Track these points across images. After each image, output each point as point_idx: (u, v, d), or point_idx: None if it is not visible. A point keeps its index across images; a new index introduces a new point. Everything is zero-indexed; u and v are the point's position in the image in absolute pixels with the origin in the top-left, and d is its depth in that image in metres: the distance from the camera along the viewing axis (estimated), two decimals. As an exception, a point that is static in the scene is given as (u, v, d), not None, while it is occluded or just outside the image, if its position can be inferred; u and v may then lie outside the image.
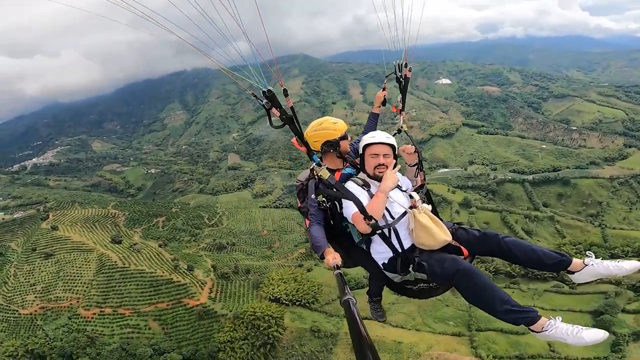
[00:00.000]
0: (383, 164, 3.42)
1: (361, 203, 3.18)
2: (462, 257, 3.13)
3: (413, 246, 3.23)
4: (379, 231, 3.21)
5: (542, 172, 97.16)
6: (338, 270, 2.74)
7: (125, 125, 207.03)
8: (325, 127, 3.63)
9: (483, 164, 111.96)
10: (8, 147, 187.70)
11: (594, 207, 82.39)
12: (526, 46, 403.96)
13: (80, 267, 60.47)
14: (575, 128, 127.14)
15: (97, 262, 61.28)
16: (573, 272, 3.01)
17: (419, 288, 3.27)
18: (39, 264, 61.58)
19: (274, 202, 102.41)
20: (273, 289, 52.92)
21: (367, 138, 3.52)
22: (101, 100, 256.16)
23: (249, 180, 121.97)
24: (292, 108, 3.10)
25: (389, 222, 3.25)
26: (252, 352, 42.15)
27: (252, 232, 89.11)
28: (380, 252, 3.30)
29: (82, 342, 44.73)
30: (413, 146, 3.87)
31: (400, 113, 4.27)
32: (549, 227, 77.92)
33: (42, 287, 56.30)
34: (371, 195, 3.33)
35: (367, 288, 4.19)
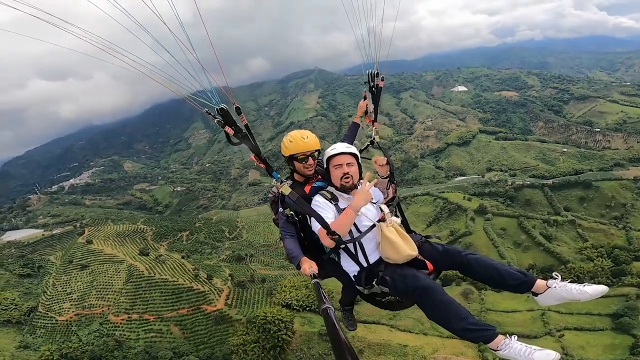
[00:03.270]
0: (347, 173, 3.38)
1: (323, 219, 3.16)
2: (427, 271, 3.16)
3: (380, 259, 3.23)
4: (343, 246, 3.22)
5: (563, 175, 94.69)
6: (315, 279, 2.81)
7: (154, 146, 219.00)
8: (291, 139, 3.59)
9: (501, 170, 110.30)
10: (47, 169, 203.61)
11: (618, 209, 79.24)
12: (545, 49, 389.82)
13: (111, 277, 65.47)
14: (598, 130, 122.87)
15: (126, 272, 66.12)
16: (537, 294, 2.96)
17: (387, 300, 3.28)
18: (75, 274, 67.26)
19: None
20: (285, 295, 55.22)
21: (328, 151, 3.52)
22: (130, 121, 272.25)
23: (268, 195, 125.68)
24: (246, 126, 3.15)
25: (354, 237, 3.24)
26: (263, 355, 44.22)
27: (270, 245, 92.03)
28: (349, 266, 3.33)
29: (110, 345, 48.61)
30: (385, 157, 3.80)
31: (373, 124, 4.22)
32: (570, 231, 75.61)
33: (77, 296, 61.45)
34: (338, 209, 3.29)
35: (340, 297, 4.13)
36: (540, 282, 2.92)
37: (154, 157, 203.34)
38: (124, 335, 51.83)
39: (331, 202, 3.34)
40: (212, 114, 3.06)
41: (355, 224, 3.23)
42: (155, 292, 60.27)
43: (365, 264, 3.23)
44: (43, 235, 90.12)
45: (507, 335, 2.71)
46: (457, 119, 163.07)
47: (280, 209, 3.61)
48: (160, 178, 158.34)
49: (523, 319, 46.68)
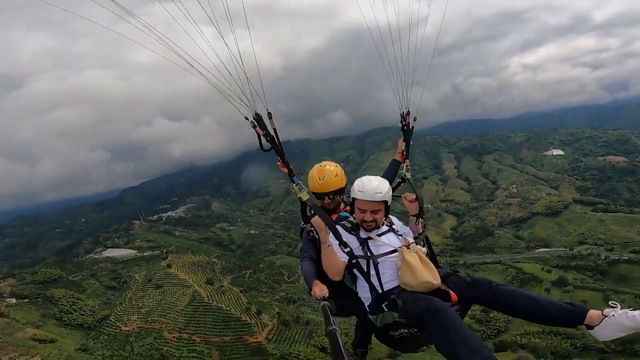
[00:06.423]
0: (371, 220, 3.18)
1: (339, 232, 3.16)
2: (450, 303, 2.80)
3: (397, 287, 2.98)
4: (354, 261, 3.08)
5: (675, 253, 78.19)
6: (325, 302, 2.75)
7: (239, 190, 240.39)
8: (310, 176, 3.69)
9: (596, 244, 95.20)
10: (154, 200, 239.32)
11: None
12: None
13: (177, 299, 73.05)
14: None
15: (190, 297, 73.23)
16: (592, 327, 2.46)
17: (400, 335, 2.95)
18: (150, 292, 76.68)
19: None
20: (323, 339, 54.81)
21: (356, 190, 3.21)
22: (224, 165, 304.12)
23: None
24: (274, 129, 3.25)
25: (369, 255, 3.08)
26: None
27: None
28: (363, 292, 3.11)
29: (155, 359, 53.27)
30: (414, 194, 3.68)
31: (404, 161, 4.24)
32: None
33: (145, 311, 69.13)
34: (359, 239, 3.18)
35: (353, 339, 3.76)
36: (594, 313, 2.49)
37: (237, 200, 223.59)
38: (170, 351, 56.10)
39: (351, 233, 3.23)
40: (248, 118, 3.24)
41: (371, 250, 3.14)
42: (208, 317, 65.30)
43: (379, 290, 2.98)
44: (136, 255, 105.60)
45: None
46: (548, 187, 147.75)
47: (302, 225, 3.69)
48: (239, 220, 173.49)
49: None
